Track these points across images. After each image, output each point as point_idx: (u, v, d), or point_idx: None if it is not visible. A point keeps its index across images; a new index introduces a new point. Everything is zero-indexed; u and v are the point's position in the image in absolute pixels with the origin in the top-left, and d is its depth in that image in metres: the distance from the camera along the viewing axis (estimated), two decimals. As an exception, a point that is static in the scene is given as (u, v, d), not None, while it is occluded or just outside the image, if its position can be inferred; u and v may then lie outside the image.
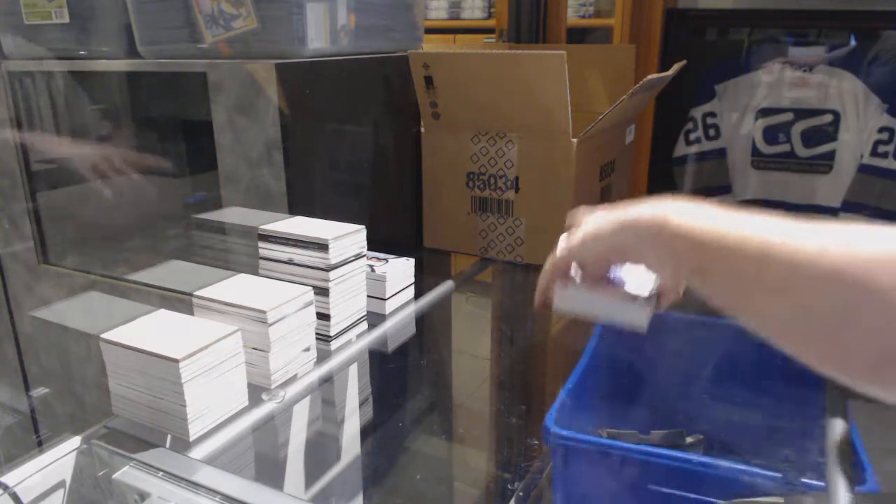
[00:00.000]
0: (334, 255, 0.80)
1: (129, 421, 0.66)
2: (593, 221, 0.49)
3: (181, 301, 0.97)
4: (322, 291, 0.80)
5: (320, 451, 0.75)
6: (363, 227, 0.84)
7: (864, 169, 1.49)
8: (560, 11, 1.72)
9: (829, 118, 1.52)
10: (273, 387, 0.73)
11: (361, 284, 0.86)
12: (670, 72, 1.16)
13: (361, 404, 0.82)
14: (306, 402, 0.75)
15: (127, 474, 0.59)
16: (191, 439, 0.63)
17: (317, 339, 0.79)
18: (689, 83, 1.57)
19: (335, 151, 1.04)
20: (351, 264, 0.83)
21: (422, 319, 0.96)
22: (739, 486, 0.53)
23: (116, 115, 1.15)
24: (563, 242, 0.52)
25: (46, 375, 1.22)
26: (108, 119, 1.16)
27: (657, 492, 0.57)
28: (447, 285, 1.06)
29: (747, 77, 1.59)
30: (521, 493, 0.63)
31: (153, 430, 0.65)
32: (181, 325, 0.68)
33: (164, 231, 1.19)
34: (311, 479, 0.71)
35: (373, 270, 0.90)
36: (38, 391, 1.22)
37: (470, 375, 0.98)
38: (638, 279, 0.55)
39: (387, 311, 0.92)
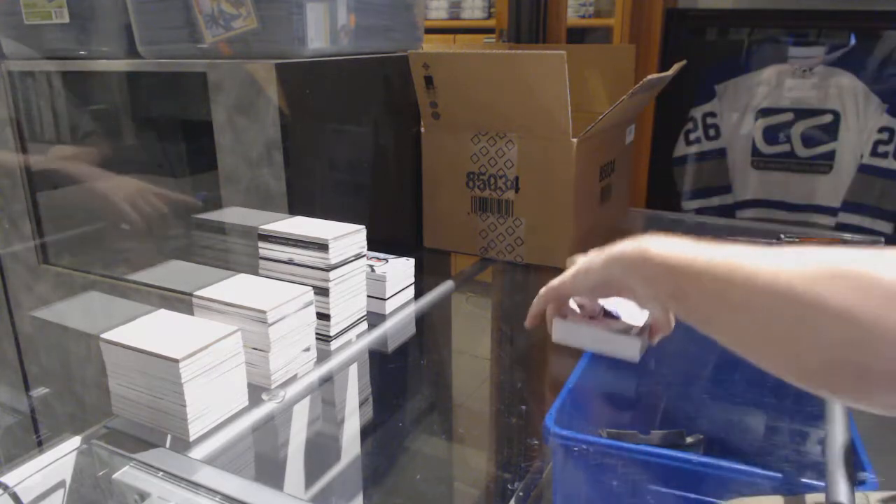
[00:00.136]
0: (334, 255, 0.80)
1: (129, 421, 0.66)
2: (586, 259, 0.55)
3: (181, 301, 0.97)
4: (322, 291, 0.80)
5: (320, 451, 0.75)
6: (363, 227, 0.84)
7: (864, 169, 1.50)
8: (560, 11, 1.72)
9: (829, 118, 1.52)
10: (273, 387, 0.73)
11: (361, 284, 0.86)
12: (670, 72, 1.16)
13: (361, 404, 0.82)
14: (306, 402, 0.75)
15: (127, 474, 0.59)
16: (191, 439, 0.63)
17: (317, 339, 0.79)
18: (689, 83, 1.57)
19: (335, 151, 1.04)
20: (351, 264, 0.83)
21: (422, 319, 0.96)
22: (739, 486, 0.53)
23: (116, 115, 1.15)
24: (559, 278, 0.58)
25: (46, 375, 1.22)
26: (107, 119, 1.16)
27: (657, 492, 0.57)
28: (447, 285, 1.06)
29: (747, 77, 1.59)
30: (521, 493, 0.63)
31: (153, 430, 0.65)
32: (181, 325, 0.68)
33: (164, 231, 1.19)
34: (311, 479, 0.71)
35: (373, 270, 0.90)
36: (38, 391, 1.22)
37: (470, 375, 0.98)
38: (630, 314, 0.60)
39: (387, 311, 0.92)
